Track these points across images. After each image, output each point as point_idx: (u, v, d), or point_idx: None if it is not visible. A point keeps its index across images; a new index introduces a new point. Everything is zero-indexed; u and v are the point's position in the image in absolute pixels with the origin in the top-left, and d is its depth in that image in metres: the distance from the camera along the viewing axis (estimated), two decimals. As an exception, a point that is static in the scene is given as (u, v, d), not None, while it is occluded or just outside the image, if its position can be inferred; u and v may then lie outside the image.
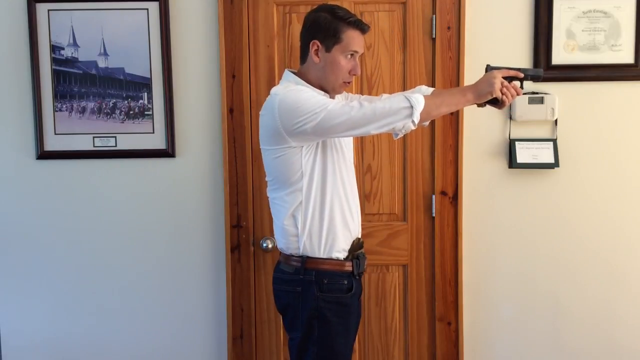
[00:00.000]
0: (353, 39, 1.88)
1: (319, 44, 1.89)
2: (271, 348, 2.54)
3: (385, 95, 2.02)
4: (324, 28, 1.88)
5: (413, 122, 1.79)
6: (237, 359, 2.53)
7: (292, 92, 1.84)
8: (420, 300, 2.53)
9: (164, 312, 2.54)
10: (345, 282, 1.92)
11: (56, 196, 2.50)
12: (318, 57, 1.89)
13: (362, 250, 2.01)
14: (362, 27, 1.90)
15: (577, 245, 2.50)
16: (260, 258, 2.51)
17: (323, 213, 1.90)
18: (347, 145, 2.00)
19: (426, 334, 2.54)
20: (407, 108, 1.77)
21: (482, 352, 2.54)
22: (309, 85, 1.91)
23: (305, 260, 1.90)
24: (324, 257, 1.91)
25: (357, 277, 1.98)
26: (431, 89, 2.05)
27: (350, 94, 2.14)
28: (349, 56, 1.90)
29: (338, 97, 1.99)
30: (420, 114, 1.78)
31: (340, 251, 1.93)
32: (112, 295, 2.53)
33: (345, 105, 1.81)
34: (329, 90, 1.93)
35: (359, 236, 2.01)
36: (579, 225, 2.50)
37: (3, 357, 2.56)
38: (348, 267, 1.94)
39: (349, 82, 1.95)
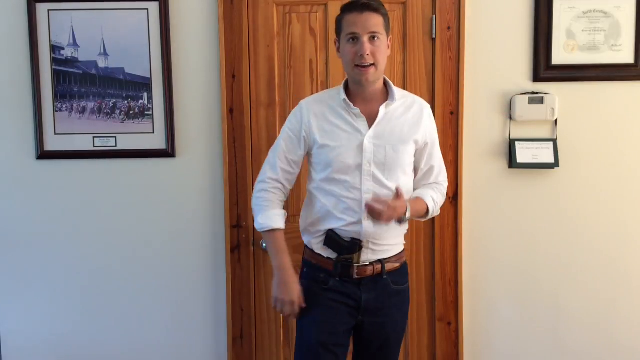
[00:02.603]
0: (348, 21, 1.87)
1: (337, 41, 1.94)
2: (271, 348, 2.54)
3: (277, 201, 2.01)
4: (335, 25, 1.94)
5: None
6: (237, 359, 2.53)
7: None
8: (420, 300, 2.53)
9: (164, 312, 2.54)
10: (322, 275, 1.95)
11: (56, 196, 2.49)
12: (339, 52, 1.94)
13: (353, 256, 1.92)
14: (354, 7, 1.86)
15: (578, 245, 2.50)
16: (260, 258, 2.51)
17: (312, 210, 1.97)
18: (363, 150, 1.91)
19: (426, 334, 2.54)
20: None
21: (482, 352, 2.55)
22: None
23: (305, 249, 2.04)
24: (310, 247, 2.00)
25: (339, 279, 1.93)
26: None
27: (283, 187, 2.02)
28: (351, 40, 1.86)
29: (284, 182, 2.00)
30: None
31: (325, 249, 1.96)
32: (112, 295, 2.53)
33: (271, 172, 1.98)
34: (353, 81, 1.92)
35: (358, 238, 1.92)
36: (579, 225, 2.50)
37: (3, 357, 2.56)
38: (328, 265, 1.95)
39: (362, 66, 1.85)
